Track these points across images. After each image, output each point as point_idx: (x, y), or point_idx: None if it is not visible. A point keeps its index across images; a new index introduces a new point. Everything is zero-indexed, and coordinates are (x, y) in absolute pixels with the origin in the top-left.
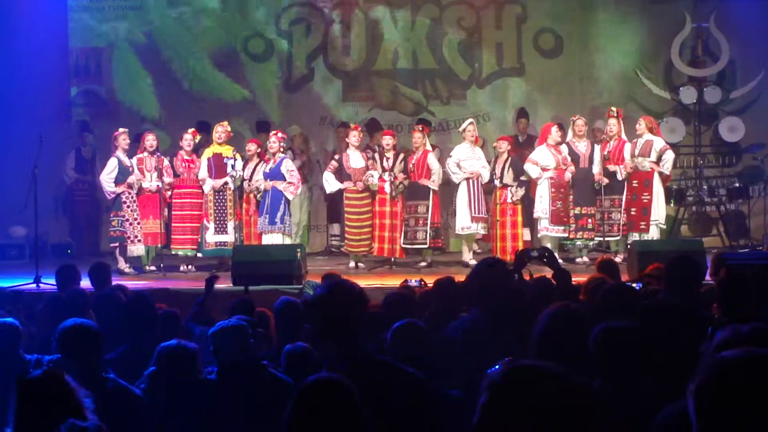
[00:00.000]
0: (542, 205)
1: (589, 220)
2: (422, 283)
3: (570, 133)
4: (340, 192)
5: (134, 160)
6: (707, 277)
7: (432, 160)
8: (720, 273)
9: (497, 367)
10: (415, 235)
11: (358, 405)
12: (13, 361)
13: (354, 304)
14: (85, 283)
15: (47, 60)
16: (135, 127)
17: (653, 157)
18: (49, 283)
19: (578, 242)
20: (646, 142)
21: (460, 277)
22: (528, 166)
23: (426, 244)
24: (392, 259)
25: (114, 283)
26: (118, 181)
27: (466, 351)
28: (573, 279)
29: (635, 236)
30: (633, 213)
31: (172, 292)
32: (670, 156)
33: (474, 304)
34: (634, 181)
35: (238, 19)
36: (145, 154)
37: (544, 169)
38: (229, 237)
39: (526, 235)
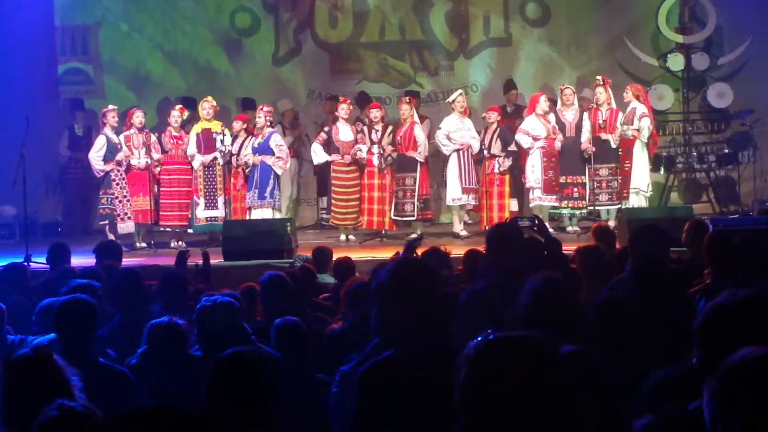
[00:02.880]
0: (534, 175)
1: (575, 189)
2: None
3: (558, 102)
4: (329, 165)
5: (122, 137)
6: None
7: (418, 131)
8: (704, 239)
9: (476, 341)
10: (404, 207)
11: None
12: None
13: None
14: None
15: (33, 38)
16: (122, 104)
17: (636, 124)
18: (39, 261)
19: (564, 211)
20: (630, 110)
21: (452, 249)
22: (519, 136)
23: (414, 216)
24: (383, 232)
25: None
26: (106, 159)
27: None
28: (564, 248)
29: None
30: (618, 180)
31: (163, 268)
32: (645, 122)
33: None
34: (620, 149)
35: None
36: (133, 130)
37: (535, 139)
38: (220, 212)
39: (513, 205)
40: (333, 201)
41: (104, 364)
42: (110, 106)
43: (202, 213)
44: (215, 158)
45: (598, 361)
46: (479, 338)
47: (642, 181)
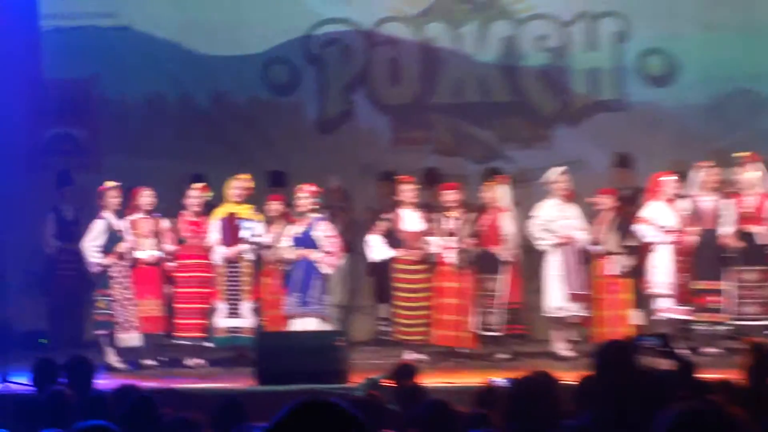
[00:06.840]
0: (663, 279)
1: (710, 298)
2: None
3: (693, 185)
4: (391, 263)
5: (126, 222)
6: None
7: (504, 221)
8: None
9: None
10: (487, 319)
11: None
12: None
13: None
14: None
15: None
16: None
17: None
18: (18, 381)
19: (700, 326)
20: None
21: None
22: (640, 227)
23: (499, 330)
24: (465, 351)
25: (120, 383)
26: (106, 250)
27: None
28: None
29: None
30: None
31: (179, 392)
32: None
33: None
34: None
35: (254, 39)
36: (140, 215)
37: (664, 231)
38: (244, 321)
39: (637, 318)
40: (396, 310)
41: None
42: (109, 183)
43: (222, 322)
44: (241, 251)
45: None
46: None
47: None
